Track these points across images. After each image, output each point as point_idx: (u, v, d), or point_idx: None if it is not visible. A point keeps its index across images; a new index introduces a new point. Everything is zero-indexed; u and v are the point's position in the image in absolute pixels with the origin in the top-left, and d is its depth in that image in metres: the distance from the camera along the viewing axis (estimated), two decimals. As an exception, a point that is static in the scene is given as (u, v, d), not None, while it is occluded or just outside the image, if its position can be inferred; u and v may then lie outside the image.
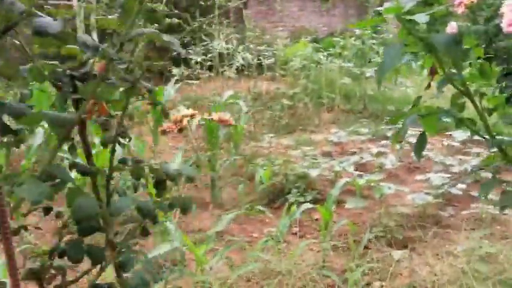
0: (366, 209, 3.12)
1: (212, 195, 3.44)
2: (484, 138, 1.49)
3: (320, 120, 5.80)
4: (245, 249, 2.74)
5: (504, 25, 1.66)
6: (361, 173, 3.53)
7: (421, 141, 2.21)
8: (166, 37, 0.87)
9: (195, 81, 5.69)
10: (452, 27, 1.79)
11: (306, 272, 2.24)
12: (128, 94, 0.92)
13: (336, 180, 3.49)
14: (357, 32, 7.03)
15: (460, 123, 2.02)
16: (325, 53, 6.88)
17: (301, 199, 3.28)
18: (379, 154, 4.05)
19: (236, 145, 4.02)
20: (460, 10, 1.82)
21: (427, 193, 3.09)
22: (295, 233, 3.06)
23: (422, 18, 1.86)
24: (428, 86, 2.12)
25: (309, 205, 2.65)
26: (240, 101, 4.31)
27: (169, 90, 3.84)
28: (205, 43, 5.95)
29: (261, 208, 3.01)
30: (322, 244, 2.56)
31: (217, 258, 2.30)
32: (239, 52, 5.23)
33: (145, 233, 0.91)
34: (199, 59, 5.72)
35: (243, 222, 3.21)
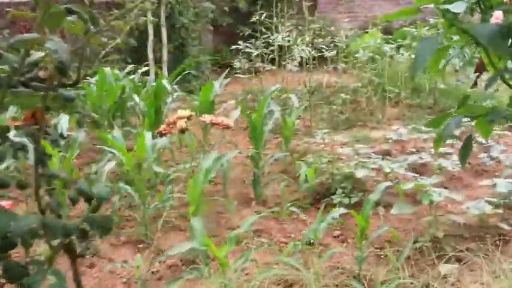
0: (415, 216, 2.87)
1: (255, 192, 3.36)
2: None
3: (384, 116, 5.47)
4: (280, 250, 2.63)
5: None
6: (417, 175, 3.25)
7: (466, 147, 1.96)
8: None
9: (248, 75, 5.63)
10: (497, 17, 1.53)
11: (332, 281, 2.08)
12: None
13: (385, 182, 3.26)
14: (432, 21, 6.54)
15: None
16: (395, 44, 6.48)
17: (346, 200, 3.10)
18: (442, 155, 3.72)
19: (286, 141, 3.89)
20: (508, -3, 1.55)
21: (488, 201, 2.76)
22: (337, 236, 2.90)
23: (459, 7, 1.62)
24: (475, 83, 1.86)
25: (342, 210, 2.46)
26: (292, 95, 4.16)
27: (216, 86, 3.80)
28: (267, 36, 5.85)
29: (299, 209, 2.87)
30: (356, 252, 2.37)
31: (242, 260, 2.21)
32: (297, 45, 5.06)
33: (70, 249, 0.85)
34: (257, 52, 5.64)
35: (284, 221, 3.10)
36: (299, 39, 5.09)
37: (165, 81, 3.88)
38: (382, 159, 4.11)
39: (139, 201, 2.86)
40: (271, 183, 3.50)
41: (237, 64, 6.18)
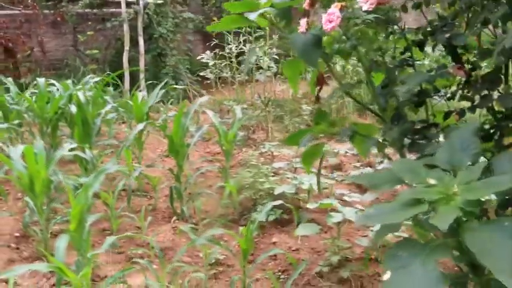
0: (321, 237, 2.67)
1: (173, 208, 3.21)
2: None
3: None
4: (170, 272, 2.46)
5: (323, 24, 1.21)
6: (349, 192, 3.04)
7: (307, 162, 1.77)
8: None
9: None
10: (302, 25, 1.35)
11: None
12: None
13: (309, 199, 3.07)
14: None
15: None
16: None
17: (264, 218, 2.92)
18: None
19: (227, 154, 3.73)
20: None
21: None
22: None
23: (252, 15, 1.45)
24: (317, 99, 1.68)
25: (221, 230, 2.29)
26: (237, 106, 4.01)
27: (150, 98, 3.65)
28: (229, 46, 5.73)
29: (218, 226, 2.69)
30: (232, 278, 2.19)
31: (107, 281, 2.07)
32: (258, 55, 4.93)
33: None
34: (213, 62, 5.51)
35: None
36: (257, 49, 4.94)
37: (88, 93, 3.79)
38: (332, 173, 3.93)
39: (37, 216, 2.75)
40: (194, 199, 3.35)
41: (209, 75, 6.09)
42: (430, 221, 0.91)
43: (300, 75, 1.79)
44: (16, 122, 4.49)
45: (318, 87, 1.62)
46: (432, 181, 1.02)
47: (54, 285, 2.43)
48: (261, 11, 1.38)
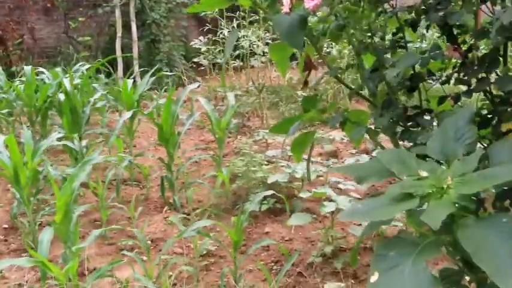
0: (314, 227, 2.60)
1: (164, 197, 3.14)
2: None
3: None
4: (160, 264, 2.40)
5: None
6: (343, 179, 2.97)
7: (297, 150, 1.70)
8: None
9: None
10: (285, 4, 1.25)
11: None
12: None
13: (302, 188, 2.99)
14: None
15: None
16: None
17: (257, 208, 2.85)
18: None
19: (220, 141, 3.65)
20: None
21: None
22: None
23: None
24: (305, 84, 1.59)
25: (210, 221, 2.21)
26: (230, 93, 3.91)
27: (140, 84, 3.53)
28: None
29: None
30: (223, 270, 2.13)
31: (93, 276, 2.00)
32: (250, 40, 4.82)
33: None
34: (205, 48, 5.39)
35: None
36: (249, 33, 4.82)
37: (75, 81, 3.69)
38: (327, 160, 3.85)
39: (24, 208, 2.68)
40: (191, 187, 3.27)
41: (203, 61, 5.96)
42: (421, 218, 0.83)
43: (288, 60, 1.70)
44: (5, 111, 4.41)
45: (307, 72, 1.53)
46: (424, 173, 0.94)
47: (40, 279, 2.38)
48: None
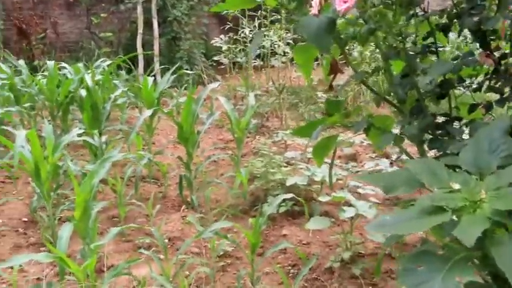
0: (332, 231, 2.56)
1: (182, 196, 3.14)
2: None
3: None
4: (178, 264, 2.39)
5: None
6: (361, 184, 2.93)
7: (319, 155, 1.67)
8: None
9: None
10: (313, 6, 1.22)
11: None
12: None
13: (321, 191, 2.96)
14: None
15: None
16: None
17: (275, 210, 2.82)
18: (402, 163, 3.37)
19: (239, 141, 3.63)
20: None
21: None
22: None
23: None
24: (330, 87, 1.55)
25: (227, 223, 2.20)
26: (251, 93, 3.89)
27: (161, 82, 3.52)
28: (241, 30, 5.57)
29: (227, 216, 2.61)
30: (240, 272, 2.11)
31: (111, 274, 2.01)
32: (272, 40, 4.79)
33: None
34: (226, 47, 5.37)
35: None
36: (271, 33, 4.80)
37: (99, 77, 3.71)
38: (346, 163, 3.80)
39: (44, 202, 2.70)
40: (209, 187, 3.27)
41: (223, 60, 5.96)
42: (454, 233, 0.79)
43: (312, 62, 1.67)
44: (27, 105, 4.47)
45: (332, 75, 1.50)
46: (456, 186, 0.91)
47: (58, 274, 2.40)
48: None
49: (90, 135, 3.34)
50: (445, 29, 1.34)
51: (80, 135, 3.35)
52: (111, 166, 3.29)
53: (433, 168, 0.95)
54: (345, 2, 1.04)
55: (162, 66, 6.44)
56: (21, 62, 5.04)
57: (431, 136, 1.22)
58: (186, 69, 6.82)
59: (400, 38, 1.15)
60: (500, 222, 0.84)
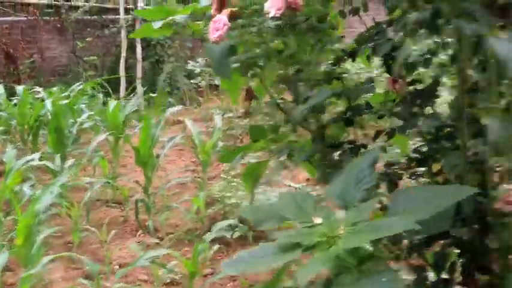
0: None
1: (138, 221, 3.09)
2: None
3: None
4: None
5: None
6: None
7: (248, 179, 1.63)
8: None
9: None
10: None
11: None
12: None
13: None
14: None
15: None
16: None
17: (228, 234, 2.76)
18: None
19: (204, 165, 3.60)
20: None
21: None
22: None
23: (157, 24, 1.32)
24: (246, 114, 1.53)
25: (162, 251, 2.14)
26: (217, 115, 3.88)
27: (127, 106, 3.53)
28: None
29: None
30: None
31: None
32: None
33: None
34: (199, 70, 5.38)
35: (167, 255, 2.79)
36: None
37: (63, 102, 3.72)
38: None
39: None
40: (167, 212, 3.21)
41: (201, 83, 5.97)
42: (294, 273, 0.75)
43: (239, 87, 1.65)
44: (1, 128, 4.46)
45: (247, 101, 1.48)
46: (318, 220, 0.87)
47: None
48: (167, 20, 1.25)
49: (52, 159, 3.31)
50: (352, 55, 1.32)
51: (41, 159, 3.33)
52: (73, 191, 3.26)
53: (299, 202, 0.90)
54: (217, 30, 1.01)
55: (144, 89, 6.46)
56: None
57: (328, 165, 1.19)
58: (169, 92, 6.84)
59: (292, 65, 1.13)
60: (354, 260, 0.80)
